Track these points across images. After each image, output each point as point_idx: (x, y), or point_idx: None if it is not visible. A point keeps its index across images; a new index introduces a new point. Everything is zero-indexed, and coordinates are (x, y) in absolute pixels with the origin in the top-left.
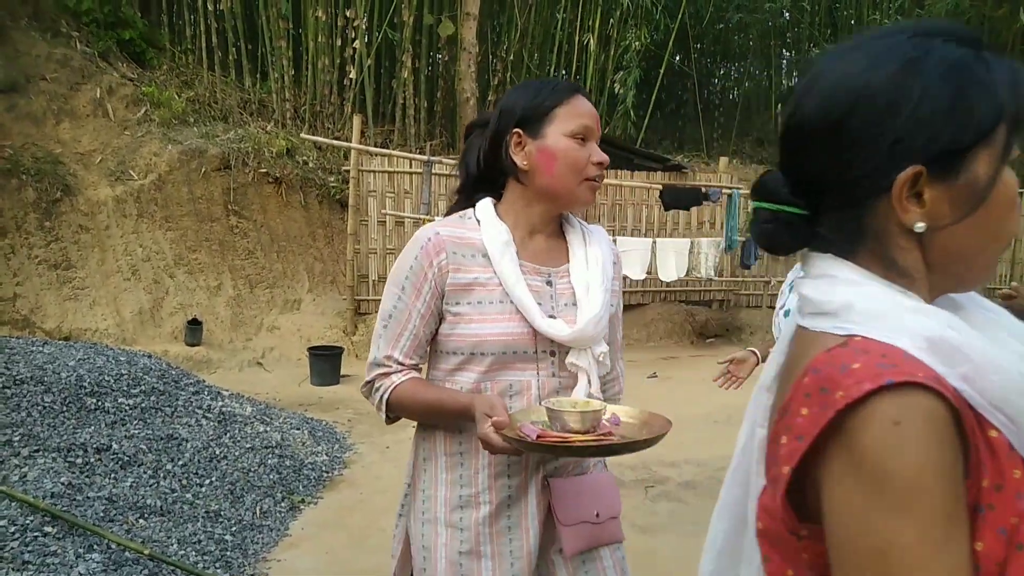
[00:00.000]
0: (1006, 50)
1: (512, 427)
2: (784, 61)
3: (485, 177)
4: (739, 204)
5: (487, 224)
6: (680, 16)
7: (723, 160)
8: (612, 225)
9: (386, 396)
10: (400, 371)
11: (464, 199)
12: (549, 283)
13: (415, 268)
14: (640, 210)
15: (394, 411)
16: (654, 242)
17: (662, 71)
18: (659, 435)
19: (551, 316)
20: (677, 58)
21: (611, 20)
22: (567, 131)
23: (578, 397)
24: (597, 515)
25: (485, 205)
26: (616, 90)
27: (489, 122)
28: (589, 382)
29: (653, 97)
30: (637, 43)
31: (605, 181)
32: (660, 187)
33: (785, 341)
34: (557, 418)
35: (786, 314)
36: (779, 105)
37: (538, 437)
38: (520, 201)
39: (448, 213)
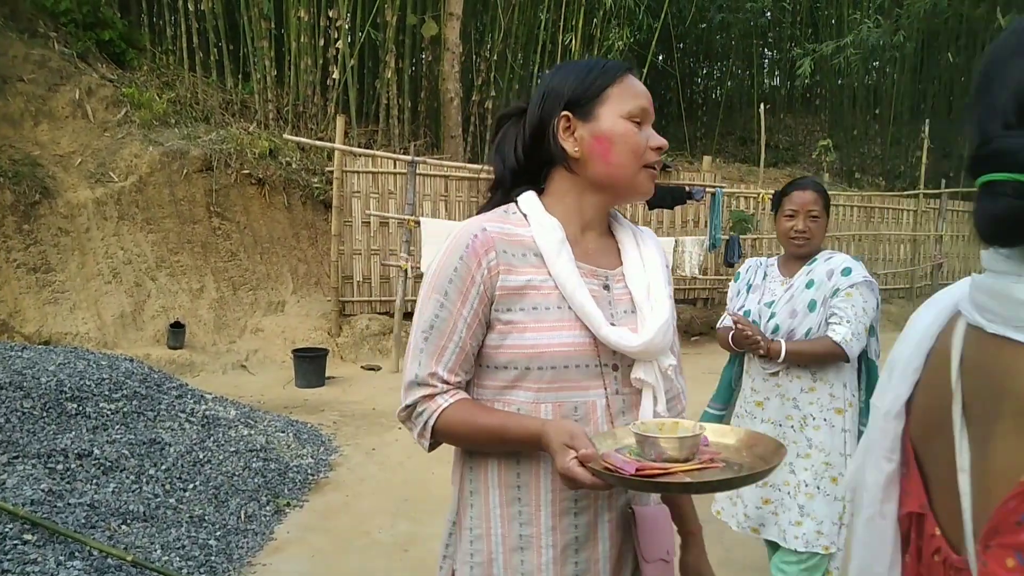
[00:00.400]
0: (982, 50)
1: (595, 458)
2: (766, 60)
3: (525, 170)
4: (722, 202)
5: (537, 219)
6: (663, 16)
7: (706, 159)
8: None
9: (432, 422)
10: (446, 391)
11: (501, 196)
12: (606, 287)
13: (460, 270)
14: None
15: (441, 438)
16: None
17: (645, 71)
18: (778, 461)
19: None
20: (660, 58)
21: (594, 20)
22: (623, 112)
23: (660, 419)
24: (668, 552)
25: (530, 198)
26: None
27: (524, 111)
28: (655, 400)
29: None
30: (620, 43)
31: None
32: None
33: (912, 363)
34: (651, 445)
35: (746, 314)
36: (761, 104)
37: (637, 470)
38: (571, 193)
39: (482, 212)
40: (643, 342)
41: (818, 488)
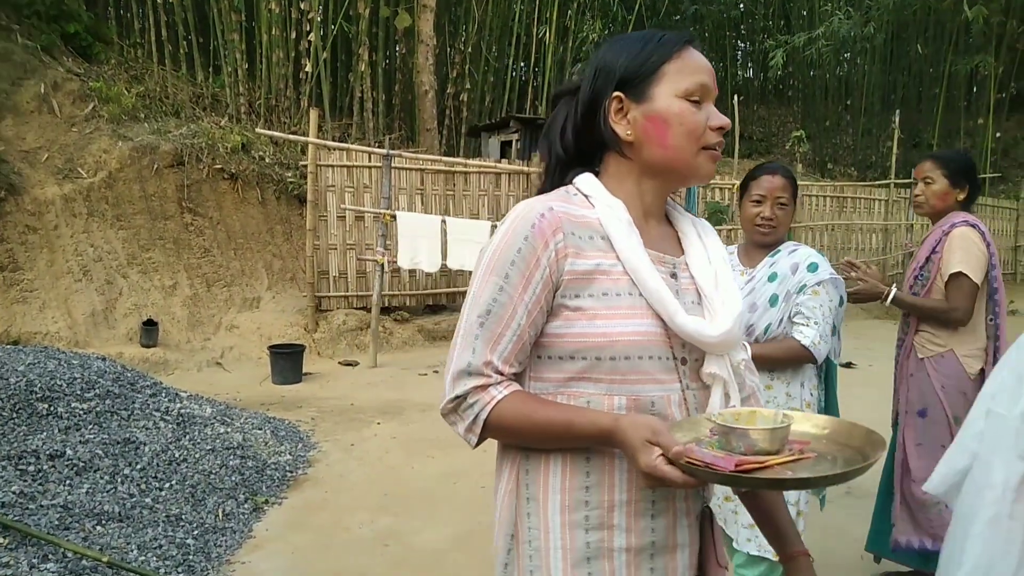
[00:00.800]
0: (950, 42)
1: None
2: (739, 53)
3: (580, 153)
4: (697, 194)
5: (602, 200)
6: (637, 8)
7: None
8: None
9: (485, 415)
10: (501, 382)
11: (555, 181)
12: (674, 276)
13: (525, 251)
14: None
15: (492, 434)
16: None
17: None
18: (879, 450)
19: None
20: None
21: (568, 12)
22: (680, 91)
23: (734, 408)
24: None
25: (589, 180)
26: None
27: (579, 88)
28: (727, 397)
29: None
30: (594, 35)
31: None
32: None
33: None
34: (739, 437)
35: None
36: (735, 96)
37: (736, 465)
38: (629, 178)
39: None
40: (722, 332)
41: None
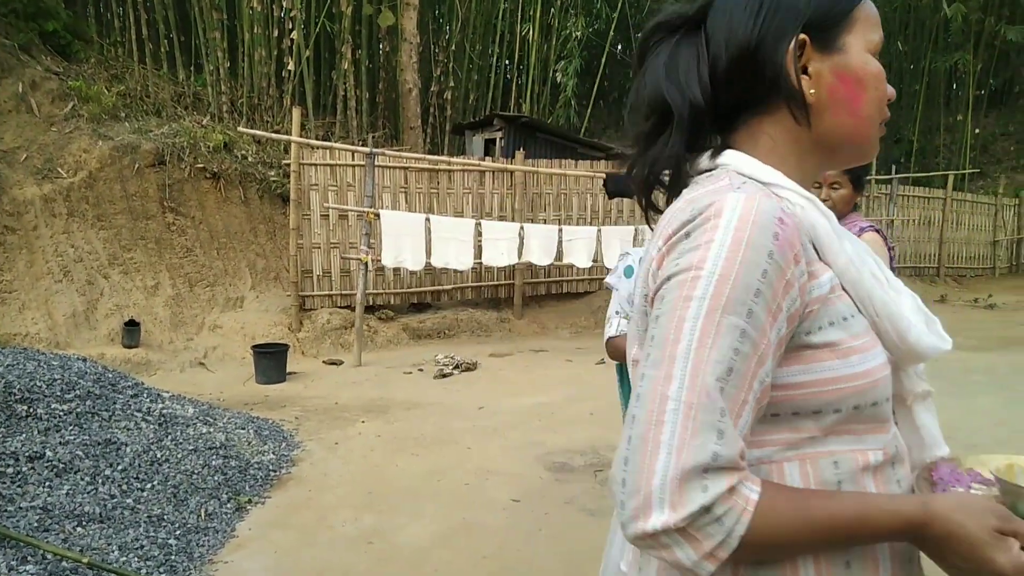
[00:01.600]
0: (929, 39)
1: None
2: None
3: (707, 112)
4: None
5: (795, 191)
6: (620, 5)
7: None
8: (558, 214)
9: (743, 529)
10: (749, 476)
11: (675, 146)
12: None
13: (771, 274)
14: (585, 199)
15: (750, 551)
16: (599, 230)
17: (604, 60)
18: None
19: None
20: (619, 47)
21: (552, 10)
22: (871, 44)
23: (989, 455)
24: None
25: (750, 161)
26: (558, 79)
27: (694, 22)
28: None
29: (595, 86)
30: (577, 32)
31: (549, 170)
32: (604, 176)
33: None
34: None
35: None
36: None
37: None
38: (792, 154)
39: (635, 174)
40: (949, 340)
41: None
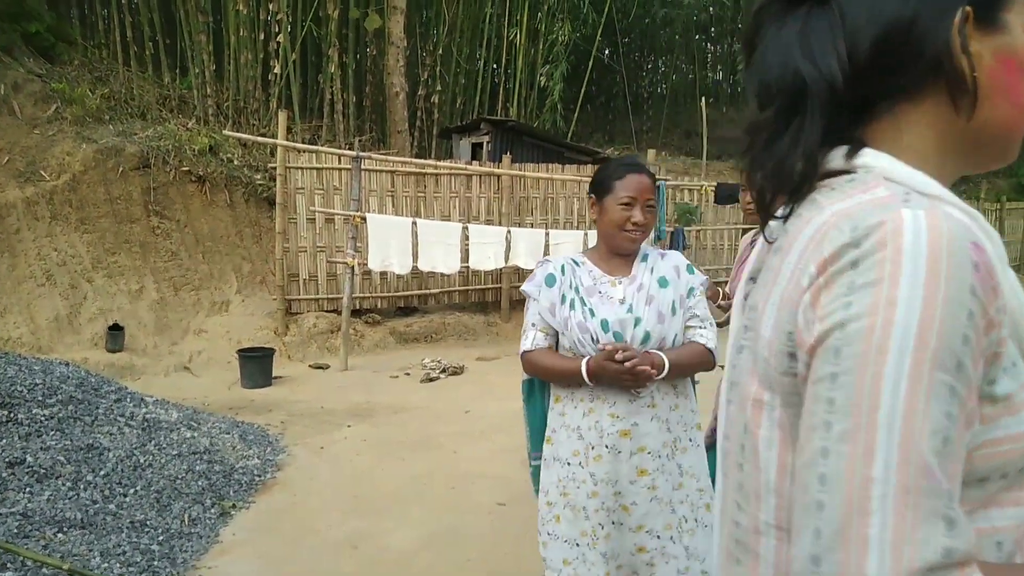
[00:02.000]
0: None
1: None
2: (708, 56)
3: (843, 96)
4: (666, 195)
5: (959, 209)
6: (606, 10)
7: (651, 152)
8: (545, 218)
9: None
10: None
11: (810, 134)
12: None
13: (977, 317)
14: (571, 203)
15: None
16: (586, 234)
17: (590, 65)
18: None
19: None
20: (606, 52)
21: (539, 14)
22: None
23: None
24: None
25: (898, 167)
26: (543, 84)
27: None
28: None
29: (582, 91)
30: (564, 37)
31: (536, 174)
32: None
33: None
34: None
35: (605, 325)
36: (704, 98)
37: None
38: (935, 152)
39: (776, 175)
40: None
41: (696, 521)
